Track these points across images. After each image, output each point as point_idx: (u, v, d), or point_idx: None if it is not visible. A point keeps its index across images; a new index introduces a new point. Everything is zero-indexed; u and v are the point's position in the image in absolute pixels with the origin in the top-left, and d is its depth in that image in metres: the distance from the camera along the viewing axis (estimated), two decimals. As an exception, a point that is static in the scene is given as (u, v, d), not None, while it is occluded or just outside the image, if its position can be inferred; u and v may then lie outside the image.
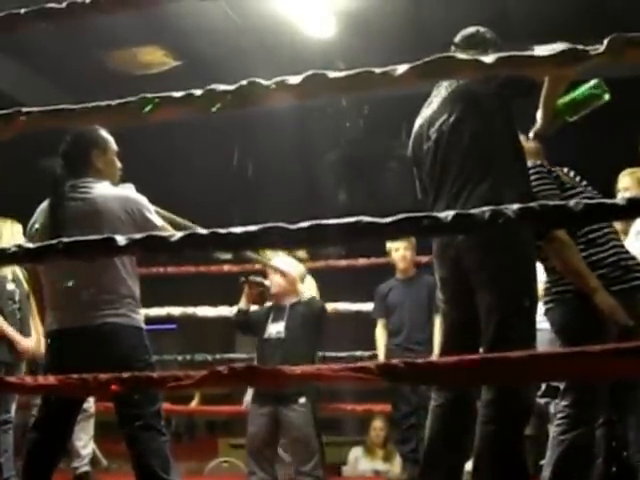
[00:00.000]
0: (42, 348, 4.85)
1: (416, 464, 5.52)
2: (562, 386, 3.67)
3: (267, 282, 5.00)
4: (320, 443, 4.79)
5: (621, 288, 3.31)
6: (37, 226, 3.46)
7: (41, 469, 3.33)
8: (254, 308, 5.15)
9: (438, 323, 5.49)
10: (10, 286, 5.06)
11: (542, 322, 5.14)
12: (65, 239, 1.84)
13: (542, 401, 4.97)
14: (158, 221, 3.38)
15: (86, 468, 5.26)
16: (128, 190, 3.44)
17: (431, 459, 3.06)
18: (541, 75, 2.82)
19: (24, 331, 5.07)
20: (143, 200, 3.40)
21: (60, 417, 3.36)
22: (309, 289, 5.50)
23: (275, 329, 4.88)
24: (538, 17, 6.61)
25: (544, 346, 4.93)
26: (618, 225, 4.91)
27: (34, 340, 5.04)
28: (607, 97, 3.20)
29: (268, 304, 5.11)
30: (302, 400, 4.69)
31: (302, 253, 6.00)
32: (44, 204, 3.51)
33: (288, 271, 4.92)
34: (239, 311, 5.08)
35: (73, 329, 3.30)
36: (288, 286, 4.91)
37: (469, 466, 3.19)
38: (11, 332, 4.98)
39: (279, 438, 4.81)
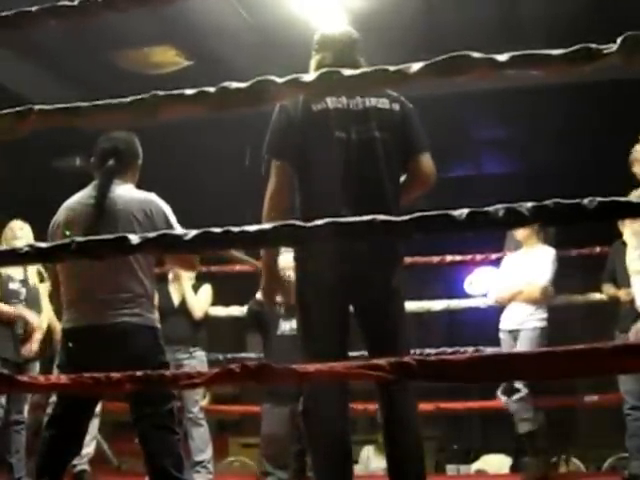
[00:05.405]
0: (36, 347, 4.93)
1: None
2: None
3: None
4: None
5: None
6: (60, 224, 3.46)
7: (54, 466, 3.35)
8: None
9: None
10: (14, 285, 5.08)
11: (528, 321, 5.22)
12: (79, 239, 1.84)
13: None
14: (178, 226, 3.37)
15: (84, 467, 5.27)
16: (151, 195, 3.46)
17: None
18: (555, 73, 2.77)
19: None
20: (165, 205, 3.41)
21: (75, 415, 3.39)
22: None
23: (288, 326, 4.80)
24: (550, 17, 6.59)
25: (527, 343, 5.00)
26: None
27: (36, 340, 5.08)
28: None
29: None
30: None
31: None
32: (69, 201, 3.51)
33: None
34: (255, 303, 5.03)
35: (88, 327, 3.32)
36: None
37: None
38: (20, 310, 5.01)
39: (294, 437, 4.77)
